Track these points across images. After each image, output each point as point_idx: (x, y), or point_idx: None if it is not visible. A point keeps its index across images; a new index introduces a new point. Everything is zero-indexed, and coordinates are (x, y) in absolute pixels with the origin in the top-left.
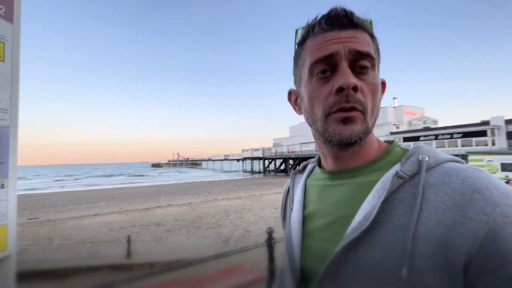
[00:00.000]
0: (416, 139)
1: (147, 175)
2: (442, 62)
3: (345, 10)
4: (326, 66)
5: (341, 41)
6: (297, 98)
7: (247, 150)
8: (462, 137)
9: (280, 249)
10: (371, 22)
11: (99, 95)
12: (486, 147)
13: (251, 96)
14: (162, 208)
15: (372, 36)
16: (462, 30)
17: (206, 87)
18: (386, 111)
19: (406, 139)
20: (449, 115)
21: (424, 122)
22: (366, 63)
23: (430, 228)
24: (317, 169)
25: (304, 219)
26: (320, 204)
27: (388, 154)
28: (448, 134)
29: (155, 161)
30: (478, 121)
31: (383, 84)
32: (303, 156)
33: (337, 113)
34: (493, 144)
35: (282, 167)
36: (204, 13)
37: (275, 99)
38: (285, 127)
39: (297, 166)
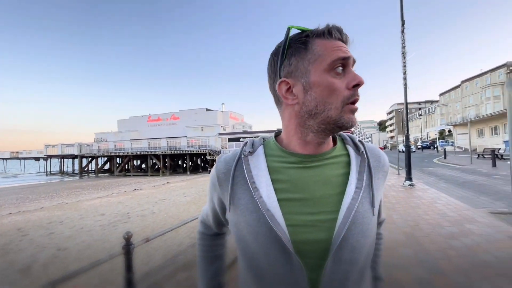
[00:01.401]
0: (237, 139)
1: None
2: (255, 81)
3: (342, 31)
4: (342, 65)
5: (348, 50)
6: (289, 87)
7: (53, 146)
8: None
9: (140, 254)
10: (291, 27)
11: None
12: None
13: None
14: None
15: None
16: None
17: None
18: (216, 114)
19: (230, 139)
20: (260, 122)
21: (243, 126)
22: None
23: (376, 181)
24: (279, 152)
25: (282, 200)
26: (303, 185)
27: (338, 140)
28: (258, 137)
29: None
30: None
31: None
32: (134, 153)
33: (349, 105)
34: None
35: (107, 166)
36: None
37: (104, 85)
38: (112, 120)
39: (126, 166)
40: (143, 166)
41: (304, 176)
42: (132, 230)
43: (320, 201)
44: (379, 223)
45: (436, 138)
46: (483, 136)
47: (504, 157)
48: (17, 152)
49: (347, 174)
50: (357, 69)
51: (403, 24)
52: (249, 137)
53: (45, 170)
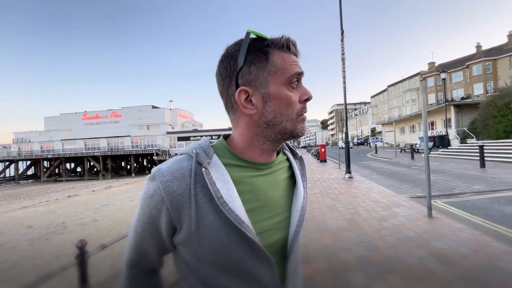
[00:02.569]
0: (187, 138)
1: None
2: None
3: (295, 44)
4: (296, 80)
5: (301, 66)
6: (248, 96)
7: None
8: (218, 138)
9: (94, 262)
10: (250, 32)
11: None
12: None
13: None
14: None
15: None
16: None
17: None
18: (163, 112)
19: (179, 138)
20: (211, 120)
21: (193, 125)
22: None
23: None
24: (237, 160)
25: (249, 211)
26: (262, 192)
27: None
28: (210, 135)
29: None
30: (226, 127)
31: None
32: (67, 155)
33: (301, 116)
34: None
35: (31, 171)
36: None
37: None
38: (36, 118)
39: (57, 170)
40: (79, 169)
41: (262, 184)
42: (71, 241)
43: (274, 205)
44: None
45: (369, 135)
46: (404, 133)
47: (419, 150)
48: None
49: (291, 177)
50: (304, 71)
51: (342, 33)
52: (200, 136)
53: None
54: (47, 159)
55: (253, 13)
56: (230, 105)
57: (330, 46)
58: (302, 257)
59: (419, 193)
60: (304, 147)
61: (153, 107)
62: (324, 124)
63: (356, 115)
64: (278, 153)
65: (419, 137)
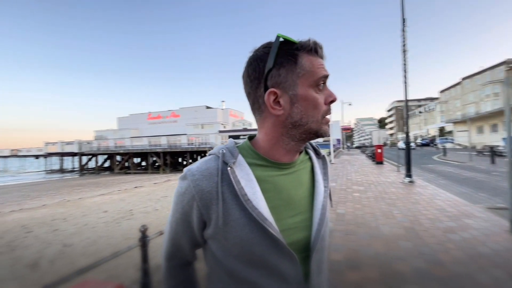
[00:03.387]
0: (237, 137)
1: None
2: None
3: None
4: (322, 82)
5: (327, 69)
6: (276, 97)
7: (53, 144)
8: None
9: (154, 246)
10: (280, 35)
11: None
12: None
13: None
14: None
15: None
16: None
17: None
18: (216, 112)
19: (230, 137)
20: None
21: (243, 124)
22: None
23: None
24: (261, 160)
25: (272, 209)
26: (284, 191)
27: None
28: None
29: None
30: None
31: None
32: (134, 151)
33: (325, 118)
34: None
35: (107, 164)
36: None
37: (99, 85)
38: (111, 118)
39: (126, 163)
40: (143, 163)
41: (284, 183)
42: (136, 226)
43: (297, 204)
44: None
45: (435, 136)
46: (483, 133)
47: (502, 154)
48: (17, 150)
49: (313, 176)
50: (359, 66)
51: (404, 23)
52: (249, 135)
53: (46, 169)
54: (119, 154)
55: (303, 9)
56: (258, 106)
57: (389, 37)
58: (351, 262)
59: (500, 203)
60: (358, 147)
61: (207, 107)
62: (381, 123)
63: (421, 112)
64: (300, 153)
65: (502, 138)
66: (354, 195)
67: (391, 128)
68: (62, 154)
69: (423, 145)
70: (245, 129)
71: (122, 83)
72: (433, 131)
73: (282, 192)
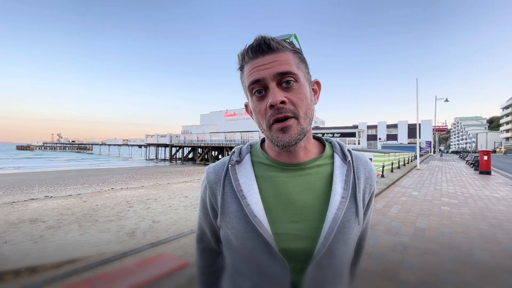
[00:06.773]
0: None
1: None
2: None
3: (264, 39)
4: (260, 87)
5: (266, 67)
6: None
7: (151, 136)
8: (340, 136)
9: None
10: (295, 36)
11: None
12: (354, 145)
13: (163, 77)
14: (37, 201)
15: (294, 51)
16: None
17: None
18: None
19: None
20: (331, 117)
21: (315, 122)
22: (289, 78)
23: (361, 191)
24: (265, 160)
25: (268, 209)
26: (287, 193)
27: (327, 147)
28: (331, 133)
29: (24, 142)
30: (350, 125)
31: (318, 83)
32: (212, 145)
33: (275, 124)
34: (359, 143)
35: (190, 155)
36: None
37: (191, 84)
38: (195, 114)
39: (206, 156)
40: (220, 156)
41: (286, 185)
42: None
43: (302, 210)
44: (364, 232)
45: None
46: None
47: None
48: (127, 140)
49: (332, 183)
50: (462, 57)
51: None
52: (321, 133)
53: (145, 156)
54: (200, 147)
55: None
56: None
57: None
58: (426, 286)
59: None
60: (456, 152)
61: None
62: (493, 124)
63: None
64: (321, 154)
65: None
66: (442, 209)
67: (507, 131)
68: (157, 145)
69: None
70: (316, 127)
71: (205, 83)
72: None
73: (282, 194)
